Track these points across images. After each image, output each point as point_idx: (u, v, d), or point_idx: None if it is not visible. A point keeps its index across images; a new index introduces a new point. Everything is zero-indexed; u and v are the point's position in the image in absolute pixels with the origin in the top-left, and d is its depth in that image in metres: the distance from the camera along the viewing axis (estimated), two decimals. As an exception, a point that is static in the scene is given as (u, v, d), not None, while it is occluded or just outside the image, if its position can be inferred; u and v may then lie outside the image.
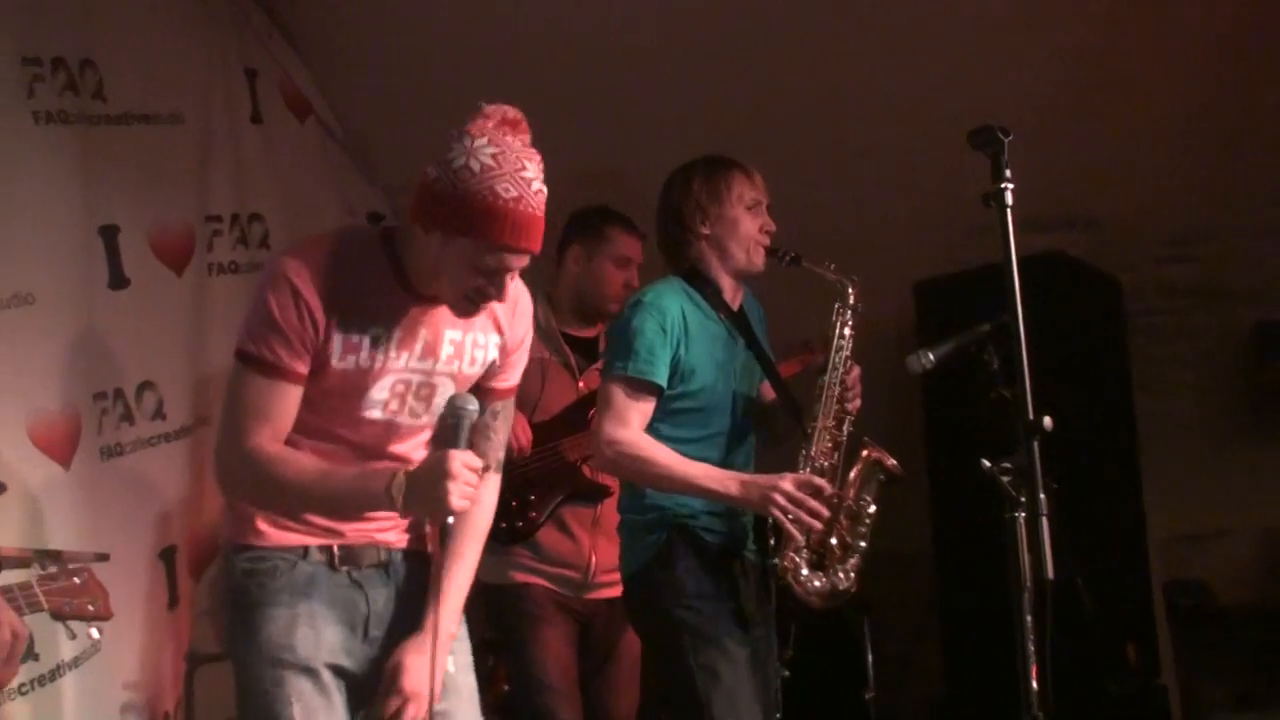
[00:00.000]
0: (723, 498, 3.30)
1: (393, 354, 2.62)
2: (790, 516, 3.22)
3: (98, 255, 4.36)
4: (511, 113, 2.56)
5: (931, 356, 2.98)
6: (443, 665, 2.65)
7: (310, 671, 2.62)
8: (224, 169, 4.93)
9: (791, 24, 4.68)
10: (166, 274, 4.62)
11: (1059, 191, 4.84)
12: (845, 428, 3.44)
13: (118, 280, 4.41)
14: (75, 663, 3.91)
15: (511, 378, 2.87)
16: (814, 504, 3.23)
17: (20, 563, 3.42)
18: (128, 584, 4.20)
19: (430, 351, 2.67)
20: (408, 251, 2.61)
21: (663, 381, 3.34)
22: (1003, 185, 2.63)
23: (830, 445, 3.41)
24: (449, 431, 2.51)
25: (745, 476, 3.32)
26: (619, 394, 3.33)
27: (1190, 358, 5.54)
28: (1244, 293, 5.45)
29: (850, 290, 3.48)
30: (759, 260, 3.51)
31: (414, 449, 2.75)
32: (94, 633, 2.23)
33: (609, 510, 3.92)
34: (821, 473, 3.36)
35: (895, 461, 3.47)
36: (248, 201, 5.04)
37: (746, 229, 3.49)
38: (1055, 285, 4.89)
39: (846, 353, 3.46)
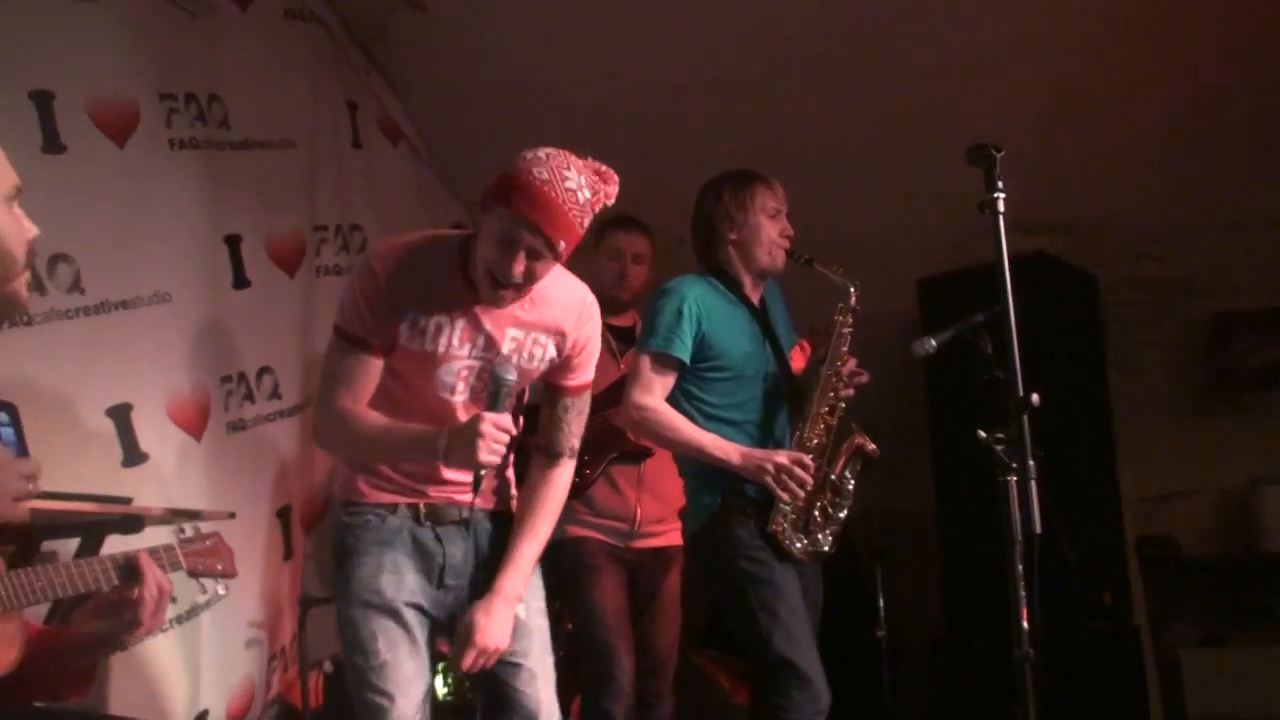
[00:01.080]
0: (724, 464, 3.31)
1: (455, 343, 2.65)
2: (780, 487, 3.26)
3: (223, 260, 4.40)
4: (603, 168, 2.63)
5: (933, 342, 2.97)
6: (510, 618, 2.69)
7: (392, 610, 2.67)
8: (329, 186, 4.97)
9: (809, 56, 4.66)
10: (281, 276, 4.65)
11: (1043, 199, 4.80)
12: (837, 413, 3.45)
13: (240, 281, 4.46)
14: (208, 604, 3.96)
15: (581, 376, 2.86)
16: (800, 474, 3.27)
17: (162, 520, 3.46)
18: (250, 538, 4.25)
19: (492, 345, 2.68)
20: (474, 251, 2.62)
21: (682, 355, 3.37)
22: (995, 195, 2.63)
23: (822, 427, 3.42)
24: (488, 396, 2.54)
25: (745, 449, 3.32)
26: (645, 366, 3.39)
27: (1158, 342, 5.50)
28: (1204, 287, 5.41)
29: (852, 292, 3.47)
30: (780, 261, 3.51)
31: None
32: (221, 589, 2.26)
33: (652, 469, 3.96)
34: (810, 451, 3.38)
35: (875, 447, 3.50)
36: (349, 214, 5.07)
37: (768, 234, 3.49)
38: (1040, 281, 4.86)
39: (845, 347, 3.46)
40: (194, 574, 2.21)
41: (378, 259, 2.63)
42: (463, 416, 2.70)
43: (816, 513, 3.41)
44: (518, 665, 2.74)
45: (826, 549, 3.44)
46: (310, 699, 4.22)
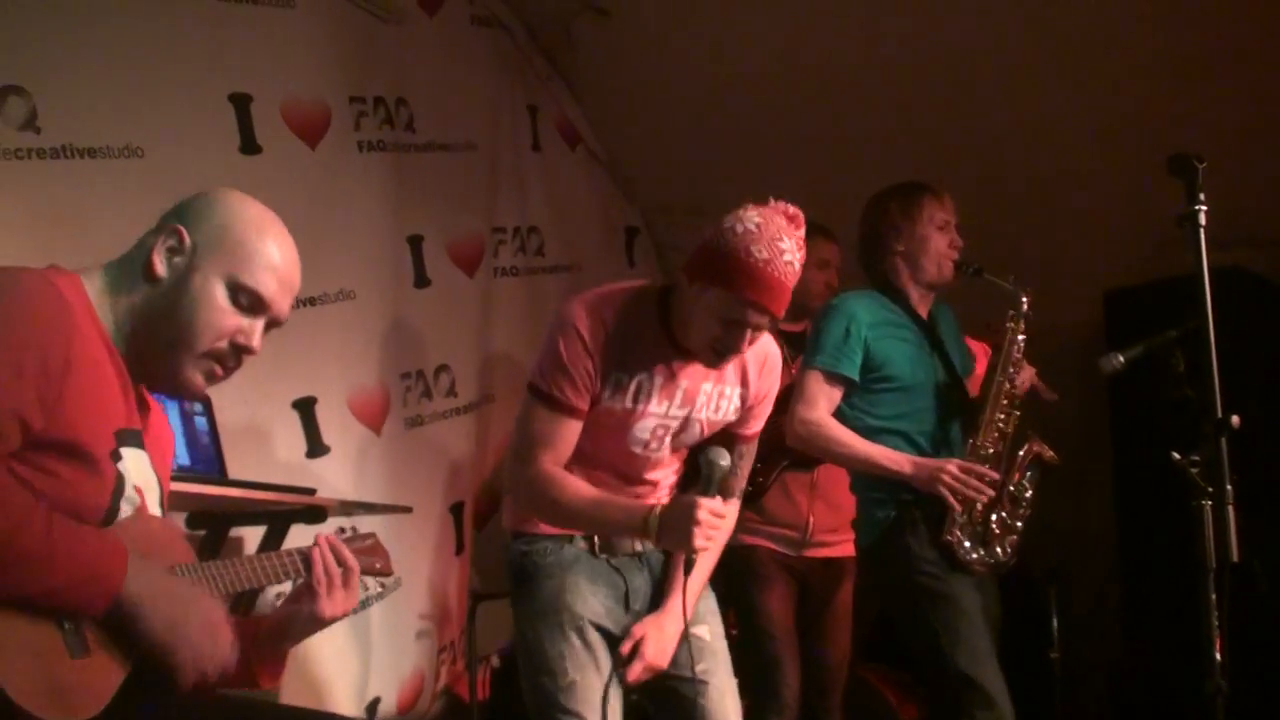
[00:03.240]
0: (896, 475, 3.25)
1: (654, 400, 2.63)
2: (956, 495, 3.18)
3: (405, 259, 4.50)
4: (792, 209, 2.56)
5: (1122, 358, 2.87)
6: (676, 636, 2.68)
7: (577, 628, 2.64)
8: (509, 188, 5.04)
9: (997, 62, 4.55)
10: (460, 276, 4.74)
11: (1240, 211, 4.58)
12: (1013, 421, 3.37)
13: (421, 280, 4.56)
14: (380, 595, 4.05)
15: (757, 425, 2.83)
16: (976, 484, 3.19)
17: (344, 511, 3.55)
18: (424, 532, 4.33)
19: (688, 400, 2.67)
20: (677, 307, 2.60)
21: (849, 372, 3.34)
22: (1197, 208, 2.51)
23: (996, 435, 3.34)
24: (703, 481, 2.45)
25: (917, 459, 3.26)
26: (810, 382, 3.36)
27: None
28: None
29: (1024, 299, 3.39)
30: (948, 273, 3.46)
31: (665, 476, 2.78)
32: (379, 587, 2.34)
33: (825, 476, 3.88)
34: (985, 459, 3.30)
35: (1053, 454, 3.40)
36: (527, 216, 5.13)
37: (936, 245, 3.44)
38: (1236, 298, 4.64)
39: (1018, 354, 3.39)
40: None
41: (579, 319, 2.56)
42: (651, 472, 2.72)
43: (994, 523, 3.32)
44: (705, 684, 2.70)
45: (1005, 559, 3.35)
46: (478, 692, 4.27)
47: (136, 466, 1.92)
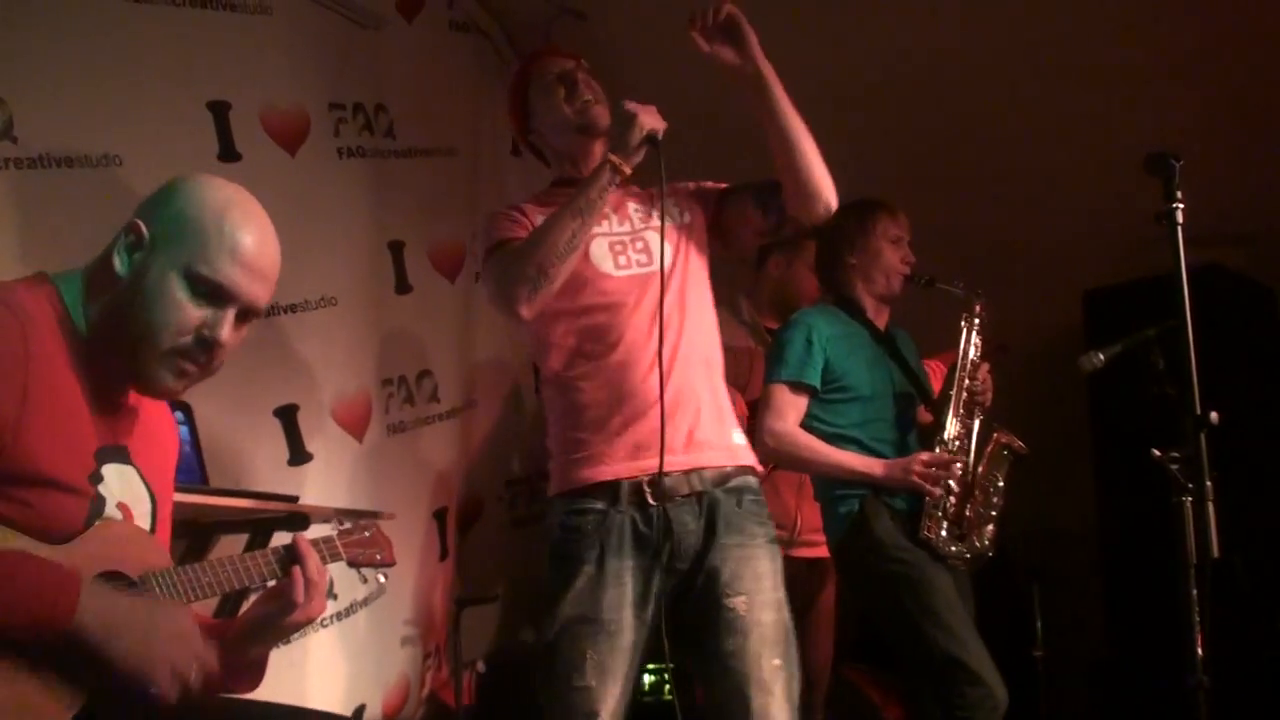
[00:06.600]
0: (869, 478, 3.33)
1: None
2: (928, 484, 3.26)
3: (387, 265, 4.49)
4: None
5: (1101, 357, 2.90)
6: None
7: (605, 623, 2.50)
8: (489, 194, 5.01)
9: (974, 62, 4.56)
10: (441, 281, 4.73)
11: (1218, 210, 4.60)
12: (975, 417, 3.45)
13: (403, 286, 4.54)
14: (365, 602, 4.04)
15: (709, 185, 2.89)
16: (943, 471, 3.29)
17: (327, 519, 3.53)
18: (407, 538, 4.31)
19: (624, 218, 2.76)
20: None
21: (813, 381, 3.42)
22: (1174, 206, 2.52)
23: (960, 430, 3.42)
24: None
25: (887, 460, 3.35)
26: (777, 395, 3.44)
27: (1341, 362, 5.22)
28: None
29: (976, 304, 3.50)
30: (897, 286, 3.58)
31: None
32: (381, 578, 2.27)
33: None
34: (953, 453, 3.38)
35: (1021, 443, 3.48)
36: (508, 221, 5.12)
37: (889, 259, 3.57)
38: (1214, 296, 4.66)
39: (974, 356, 3.48)
40: (354, 564, 2.21)
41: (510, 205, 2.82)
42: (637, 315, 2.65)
43: (968, 514, 3.37)
44: (729, 665, 2.51)
45: (983, 550, 3.40)
46: (463, 698, 4.26)
47: (121, 484, 1.89)
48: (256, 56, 3.99)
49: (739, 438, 2.72)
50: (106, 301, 1.86)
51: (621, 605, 2.51)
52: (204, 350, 1.88)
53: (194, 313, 1.85)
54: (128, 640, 1.71)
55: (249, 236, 1.89)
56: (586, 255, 2.62)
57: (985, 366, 3.50)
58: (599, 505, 2.55)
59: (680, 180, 2.85)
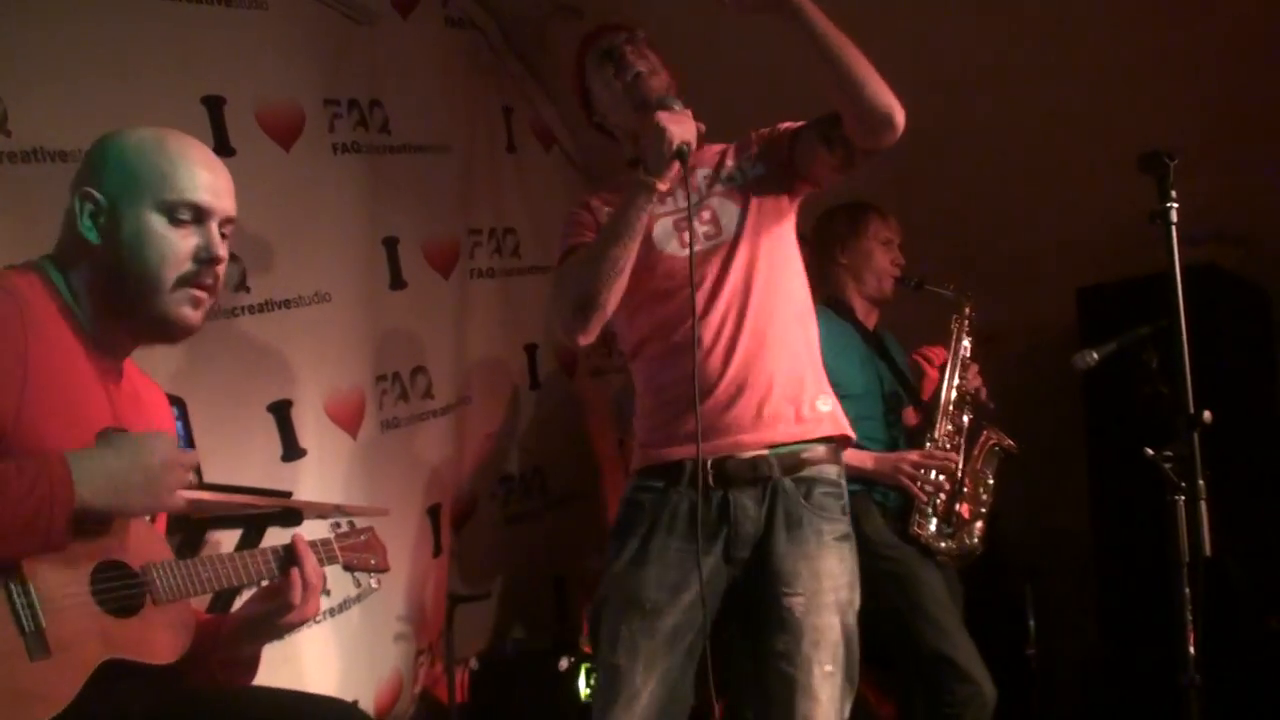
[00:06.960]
0: (860, 472, 3.33)
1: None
2: (917, 484, 3.32)
3: (381, 261, 4.48)
4: None
5: (1095, 355, 2.90)
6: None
7: (640, 600, 2.47)
8: (484, 190, 5.02)
9: (971, 60, 4.56)
10: (436, 278, 4.72)
11: (1212, 209, 4.61)
12: (965, 414, 3.50)
13: (397, 282, 4.53)
14: (359, 598, 4.04)
15: (786, 126, 2.80)
16: (935, 470, 3.35)
17: (320, 514, 3.53)
18: (401, 535, 4.31)
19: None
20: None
21: None
22: (1168, 204, 2.52)
23: (951, 429, 3.47)
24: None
25: (879, 454, 3.39)
26: None
27: (1333, 362, 5.23)
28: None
29: (966, 305, 3.58)
30: (888, 287, 3.64)
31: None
32: (374, 583, 2.29)
33: None
34: (944, 451, 3.44)
35: (1011, 442, 3.54)
36: (503, 217, 5.12)
37: (879, 260, 3.64)
38: (1208, 295, 4.66)
39: (965, 355, 3.56)
40: (349, 568, 2.24)
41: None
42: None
43: (958, 511, 3.42)
44: (780, 667, 2.45)
45: (973, 547, 3.43)
46: (456, 694, 4.26)
47: None
48: (251, 51, 3.99)
49: (824, 404, 2.64)
50: (91, 272, 1.91)
51: (661, 585, 2.48)
52: (208, 270, 1.94)
53: (183, 240, 1.92)
54: (130, 489, 1.75)
55: (196, 154, 1.99)
56: (649, 238, 2.60)
57: (975, 367, 3.53)
58: (660, 484, 2.55)
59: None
